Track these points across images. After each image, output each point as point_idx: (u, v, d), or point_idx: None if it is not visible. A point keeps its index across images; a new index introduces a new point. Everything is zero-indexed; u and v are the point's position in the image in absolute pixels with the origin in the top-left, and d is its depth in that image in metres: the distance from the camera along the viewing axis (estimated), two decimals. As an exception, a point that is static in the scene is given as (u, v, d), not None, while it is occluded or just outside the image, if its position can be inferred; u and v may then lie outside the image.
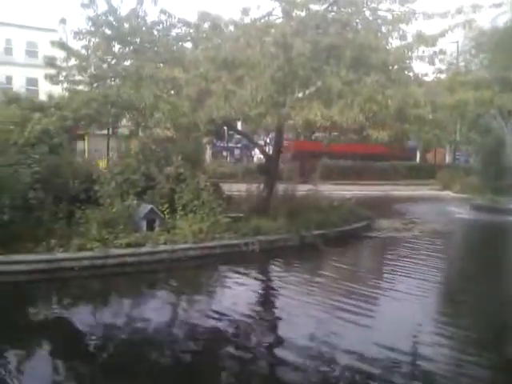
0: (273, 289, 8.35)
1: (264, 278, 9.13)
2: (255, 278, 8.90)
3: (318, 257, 10.50)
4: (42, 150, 10.21)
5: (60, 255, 8.26)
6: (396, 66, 10.35)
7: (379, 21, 10.65)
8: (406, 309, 6.82)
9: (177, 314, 6.72)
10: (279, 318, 6.58)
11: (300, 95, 10.95)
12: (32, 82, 31.37)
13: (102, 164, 15.32)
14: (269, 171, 12.88)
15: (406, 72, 10.82)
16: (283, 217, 11.29)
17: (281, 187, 13.66)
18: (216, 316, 6.30)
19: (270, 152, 14.10)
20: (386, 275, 9.01)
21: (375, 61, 9.37)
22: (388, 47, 10.46)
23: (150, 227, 9.77)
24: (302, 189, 13.97)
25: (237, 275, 8.70)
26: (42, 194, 9.07)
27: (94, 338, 5.67)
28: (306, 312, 6.51)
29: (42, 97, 16.54)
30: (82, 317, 6.40)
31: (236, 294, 7.63)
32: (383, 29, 10.65)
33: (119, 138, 21.64)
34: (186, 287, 8.18)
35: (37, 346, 5.43)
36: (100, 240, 8.73)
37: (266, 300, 7.68)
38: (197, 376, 4.74)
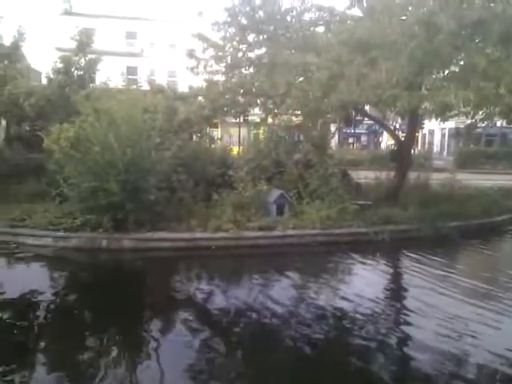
0: (404, 281, 7.95)
1: (394, 269, 8.74)
2: (385, 268, 8.58)
3: (454, 251, 9.79)
4: (184, 137, 11.10)
5: (199, 235, 8.91)
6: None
7: (537, -11, 9.37)
8: None
9: (307, 297, 6.77)
10: (408, 312, 6.14)
11: (439, 76, 10.24)
12: (172, 73, 34.07)
13: (236, 150, 16.09)
14: (401, 158, 12.30)
15: None
16: (415, 206, 10.74)
17: (412, 175, 13.03)
18: (345, 301, 6.31)
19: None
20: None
21: (529, 36, 8.30)
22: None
23: (280, 212, 10.02)
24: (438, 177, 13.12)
25: (365, 264, 8.52)
26: (185, 176, 9.86)
27: (229, 312, 6.02)
28: (434, 307, 6.07)
29: (180, 87, 17.79)
30: (220, 292, 6.85)
31: (364, 282, 7.47)
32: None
33: (250, 126, 22.49)
34: (315, 271, 8.22)
35: (181, 317, 5.92)
36: (234, 222, 9.21)
37: (397, 292, 7.36)
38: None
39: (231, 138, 22.21)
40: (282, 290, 6.89)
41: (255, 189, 10.22)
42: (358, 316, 5.86)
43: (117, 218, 8.59)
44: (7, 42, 14.34)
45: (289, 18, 10.95)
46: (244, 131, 28.56)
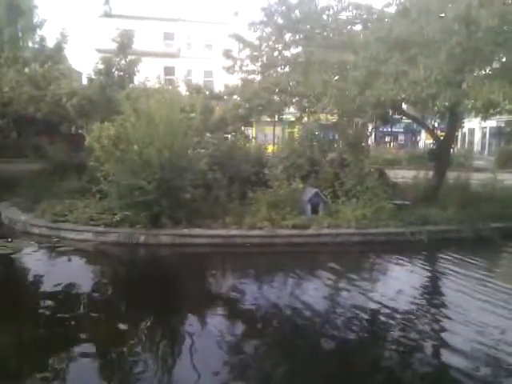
0: (440, 285, 7.64)
1: (431, 272, 8.33)
2: (421, 270, 8.21)
3: (494, 254, 9.47)
4: (220, 136, 11.25)
5: (234, 232, 9.01)
6: None
7: None
8: None
9: (339, 298, 6.72)
10: (441, 318, 5.84)
11: (479, 73, 9.97)
12: (208, 73, 34.47)
13: (270, 149, 16.15)
14: (440, 157, 12.03)
15: None
16: (455, 207, 10.48)
17: (452, 175, 12.72)
18: (377, 303, 6.18)
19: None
20: None
21: None
22: None
23: (315, 210, 10.00)
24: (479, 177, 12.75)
25: (401, 265, 8.34)
26: (220, 175, 9.98)
27: (260, 309, 6.06)
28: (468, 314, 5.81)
29: (216, 87, 18.06)
30: (253, 289, 6.91)
31: (399, 284, 7.26)
32: None
33: (284, 124, 22.48)
34: (348, 271, 8.10)
35: (215, 312, 6.03)
36: (269, 220, 9.26)
37: (432, 297, 7.00)
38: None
39: (266, 137, 22.29)
40: (314, 290, 6.87)
41: (290, 187, 10.23)
42: (388, 320, 5.72)
43: (154, 215, 8.79)
44: (50, 44, 14.92)
45: (325, 17, 10.91)
46: (278, 130, 28.58)
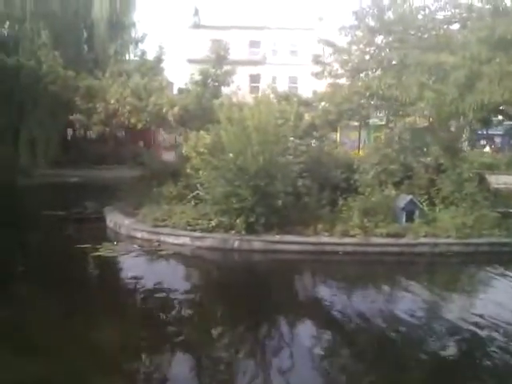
0: None
1: None
2: None
3: None
4: (308, 142, 11.22)
5: (325, 239, 8.96)
6: None
7: None
8: None
9: (435, 313, 6.36)
10: None
11: None
12: (292, 79, 34.57)
13: (356, 154, 15.84)
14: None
15: None
16: None
17: None
18: (476, 319, 5.81)
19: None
20: None
21: None
22: None
23: (409, 218, 9.64)
24: None
25: (507, 279, 7.76)
26: (310, 182, 9.97)
27: (352, 323, 5.95)
28: None
29: (301, 92, 18.04)
30: (346, 299, 6.82)
31: (502, 302, 6.64)
32: None
33: (370, 129, 21.93)
34: (448, 284, 7.72)
35: (305, 319, 6.05)
36: (361, 228, 9.08)
37: None
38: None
39: (354, 143, 21.94)
40: (410, 303, 6.56)
41: (382, 194, 9.96)
42: (485, 341, 5.31)
43: (248, 221, 8.99)
44: (149, 56, 15.86)
45: (420, 17, 10.52)
46: (363, 134, 27.89)
